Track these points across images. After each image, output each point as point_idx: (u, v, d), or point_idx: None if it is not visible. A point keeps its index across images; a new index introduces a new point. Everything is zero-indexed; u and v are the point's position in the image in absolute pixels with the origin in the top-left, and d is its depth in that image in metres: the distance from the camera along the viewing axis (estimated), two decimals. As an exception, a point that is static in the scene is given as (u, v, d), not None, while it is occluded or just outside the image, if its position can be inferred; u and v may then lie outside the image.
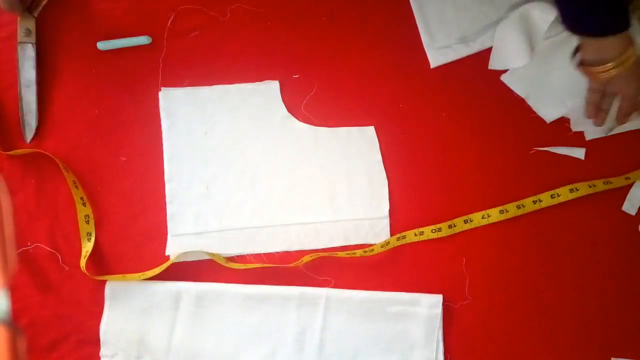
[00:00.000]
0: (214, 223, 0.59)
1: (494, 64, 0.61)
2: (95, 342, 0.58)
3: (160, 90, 0.61)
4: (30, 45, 0.61)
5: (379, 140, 0.61)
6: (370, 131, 0.61)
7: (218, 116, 0.61)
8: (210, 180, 0.60)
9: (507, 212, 0.58)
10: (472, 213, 0.59)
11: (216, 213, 0.59)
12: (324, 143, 0.61)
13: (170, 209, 0.60)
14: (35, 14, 0.62)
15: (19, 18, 0.61)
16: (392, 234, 0.59)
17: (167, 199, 0.60)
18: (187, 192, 0.60)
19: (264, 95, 0.61)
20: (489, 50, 0.61)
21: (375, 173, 0.60)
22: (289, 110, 0.61)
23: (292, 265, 0.58)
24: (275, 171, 0.60)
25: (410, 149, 0.61)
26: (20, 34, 0.61)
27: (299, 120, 0.61)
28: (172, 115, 0.61)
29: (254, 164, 0.60)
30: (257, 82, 0.61)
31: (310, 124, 0.61)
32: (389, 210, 0.59)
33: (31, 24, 0.61)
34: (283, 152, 0.60)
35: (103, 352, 0.58)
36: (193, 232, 0.59)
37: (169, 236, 0.59)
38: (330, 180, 0.60)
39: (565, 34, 0.59)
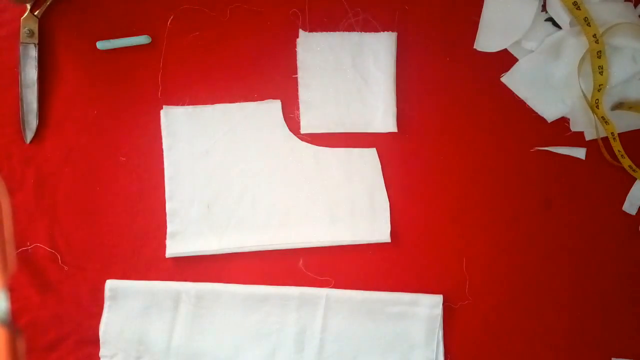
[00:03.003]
0: (213, 243, 0.59)
1: (480, 44, 0.61)
2: (95, 342, 0.59)
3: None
4: (32, 45, 0.61)
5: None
6: (371, 153, 0.61)
7: (219, 135, 0.61)
8: (211, 200, 0.60)
9: None
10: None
11: (216, 233, 0.59)
12: (325, 164, 0.60)
13: (170, 228, 0.59)
14: (39, 15, 0.62)
15: (22, 18, 0.61)
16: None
17: (168, 218, 0.60)
18: (188, 211, 0.60)
19: (266, 115, 0.61)
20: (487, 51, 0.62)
21: (377, 196, 0.60)
22: (290, 130, 0.61)
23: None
24: (276, 191, 0.60)
25: (409, 152, 0.61)
26: (23, 35, 0.61)
27: (301, 140, 0.61)
28: (173, 134, 0.61)
29: (255, 184, 0.60)
30: (259, 102, 0.61)
31: (312, 144, 0.61)
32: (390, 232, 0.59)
33: (34, 25, 0.61)
34: (284, 172, 0.60)
35: (103, 352, 0.58)
36: (192, 251, 0.59)
37: (167, 254, 0.59)
38: (331, 201, 0.60)
39: (566, 32, 0.59)
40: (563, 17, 0.58)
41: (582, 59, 0.58)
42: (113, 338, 0.58)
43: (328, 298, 0.58)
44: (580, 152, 0.60)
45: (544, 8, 0.60)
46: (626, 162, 0.59)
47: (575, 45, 0.59)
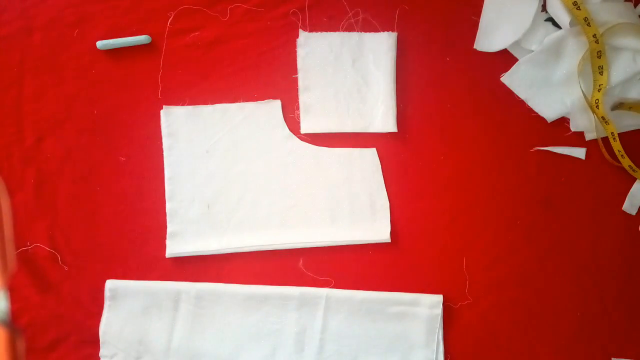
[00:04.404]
0: (213, 243, 0.59)
1: (480, 44, 0.61)
2: (95, 343, 0.59)
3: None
4: None
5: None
6: (371, 153, 0.61)
7: (219, 135, 0.61)
8: (211, 200, 0.60)
9: None
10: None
11: (216, 233, 0.59)
12: (325, 164, 0.60)
13: (170, 228, 0.60)
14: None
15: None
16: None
17: (168, 218, 0.60)
18: (188, 211, 0.60)
19: (266, 115, 0.61)
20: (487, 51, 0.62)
21: (377, 196, 0.60)
22: (290, 130, 0.61)
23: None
24: (276, 191, 0.60)
25: (409, 152, 0.61)
26: None
27: (301, 140, 0.61)
28: (173, 134, 0.61)
29: (255, 184, 0.60)
30: (259, 102, 0.61)
31: (312, 144, 0.61)
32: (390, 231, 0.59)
33: None
34: (284, 172, 0.60)
35: (102, 352, 0.58)
36: (192, 251, 0.59)
37: (167, 254, 0.59)
38: (331, 201, 0.60)
39: (566, 32, 0.59)
40: (563, 17, 0.58)
41: (582, 59, 0.58)
42: (113, 338, 0.58)
43: (328, 298, 0.58)
44: (580, 152, 0.60)
45: (544, 8, 0.60)
46: (626, 162, 0.59)
47: (575, 45, 0.59)
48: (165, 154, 0.61)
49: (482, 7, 0.61)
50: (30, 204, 0.60)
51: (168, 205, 0.60)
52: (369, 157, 0.60)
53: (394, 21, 0.61)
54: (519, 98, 0.61)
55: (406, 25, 0.62)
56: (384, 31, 0.61)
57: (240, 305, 0.58)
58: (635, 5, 0.60)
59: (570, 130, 0.60)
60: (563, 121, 0.61)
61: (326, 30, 0.61)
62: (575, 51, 0.59)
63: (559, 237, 0.59)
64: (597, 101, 0.58)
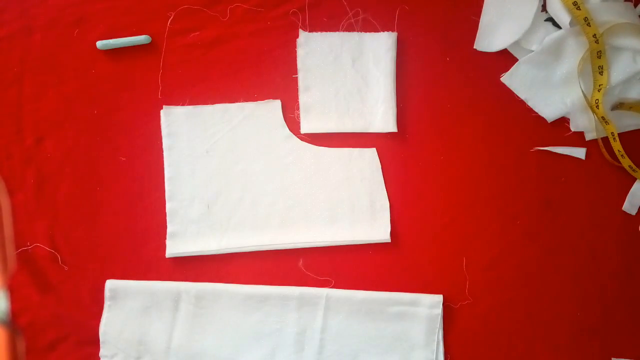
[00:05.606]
0: (213, 243, 0.59)
1: (480, 44, 0.61)
2: (95, 343, 0.59)
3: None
4: None
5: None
6: (371, 153, 0.61)
7: (219, 135, 0.61)
8: (211, 200, 0.60)
9: None
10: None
11: (216, 233, 0.59)
12: (325, 164, 0.60)
13: (170, 228, 0.60)
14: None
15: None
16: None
17: (168, 218, 0.60)
18: (188, 211, 0.60)
19: (266, 115, 0.61)
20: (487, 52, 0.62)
21: (377, 196, 0.60)
22: (290, 130, 0.61)
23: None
24: (276, 191, 0.60)
25: (409, 152, 0.61)
26: None
27: (301, 140, 0.61)
28: (173, 134, 0.61)
29: (255, 184, 0.60)
30: (259, 102, 0.61)
31: (312, 144, 0.61)
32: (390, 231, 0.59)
33: None
34: (284, 172, 0.60)
35: (102, 352, 0.59)
36: (192, 251, 0.59)
37: (167, 254, 0.59)
38: (331, 201, 0.60)
39: (566, 32, 0.59)
40: (563, 17, 0.58)
41: (582, 59, 0.58)
42: (113, 338, 0.59)
43: (328, 298, 0.58)
44: (580, 152, 0.60)
45: (544, 8, 0.60)
46: (626, 162, 0.59)
47: (575, 45, 0.59)
48: (165, 154, 0.61)
49: (482, 7, 0.61)
50: (30, 204, 0.60)
51: (168, 205, 0.60)
52: (369, 157, 0.60)
53: (394, 21, 0.61)
54: (519, 98, 0.61)
55: (406, 25, 0.62)
56: (384, 31, 0.61)
57: (240, 305, 0.58)
58: (635, 5, 0.60)
59: (570, 130, 0.60)
60: (563, 121, 0.61)
61: (326, 30, 0.61)
62: (575, 51, 0.59)
63: (558, 237, 0.59)
64: (597, 101, 0.58)
